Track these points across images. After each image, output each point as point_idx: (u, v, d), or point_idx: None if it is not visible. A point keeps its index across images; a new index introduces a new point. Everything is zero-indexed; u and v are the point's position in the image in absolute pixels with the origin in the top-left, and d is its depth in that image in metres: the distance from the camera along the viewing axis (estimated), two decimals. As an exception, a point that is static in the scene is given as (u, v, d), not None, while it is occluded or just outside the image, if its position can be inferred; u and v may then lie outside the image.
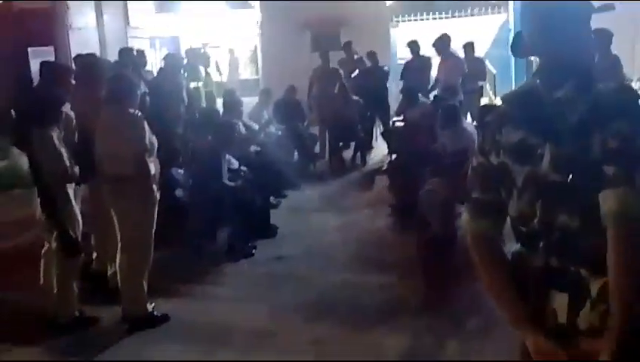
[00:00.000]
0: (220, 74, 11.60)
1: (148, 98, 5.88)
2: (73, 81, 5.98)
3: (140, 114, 5.11)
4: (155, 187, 5.10)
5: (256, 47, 19.29)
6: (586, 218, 1.83)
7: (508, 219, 2.04)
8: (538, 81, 1.94)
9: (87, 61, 6.68)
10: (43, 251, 5.30)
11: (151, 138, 5.11)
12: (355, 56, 12.48)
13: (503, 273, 2.03)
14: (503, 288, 2.02)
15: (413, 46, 11.87)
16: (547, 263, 1.91)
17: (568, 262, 1.88)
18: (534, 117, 1.89)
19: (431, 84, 11.45)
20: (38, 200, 5.01)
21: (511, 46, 2.05)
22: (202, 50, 12.80)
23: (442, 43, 11.20)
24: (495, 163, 1.98)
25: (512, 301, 1.99)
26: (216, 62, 11.67)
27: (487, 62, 13.46)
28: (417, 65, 11.65)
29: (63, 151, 5.01)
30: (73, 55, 9.42)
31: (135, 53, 9.53)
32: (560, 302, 1.90)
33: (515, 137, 1.91)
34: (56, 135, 5.01)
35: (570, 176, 1.83)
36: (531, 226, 1.91)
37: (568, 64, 1.89)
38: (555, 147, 1.85)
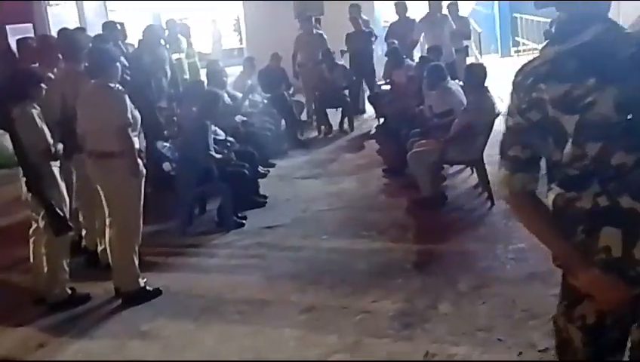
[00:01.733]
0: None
1: (128, 71, 5.78)
2: (60, 56, 5.92)
3: (120, 88, 5.04)
4: (139, 161, 5.05)
5: (239, 17, 19.12)
6: None
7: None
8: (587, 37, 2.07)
9: (69, 35, 6.58)
10: (31, 230, 5.27)
11: (133, 112, 5.05)
12: (315, 31, 12.11)
13: (549, 219, 2.17)
14: (553, 234, 2.16)
15: (400, 7, 11.75)
16: (595, 203, 2.04)
17: (619, 195, 2.01)
18: (590, 66, 2.02)
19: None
20: (23, 179, 4.97)
21: None
22: (182, 22, 12.63)
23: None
24: (536, 119, 2.09)
25: (564, 244, 2.13)
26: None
27: (472, 22, 13.36)
28: (403, 27, 11.54)
29: (45, 128, 4.95)
30: (52, 31, 9.30)
31: (118, 26, 9.37)
32: (612, 237, 2.04)
33: (561, 89, 2.02)
34: (36, 112, 4.95)
35: (630, 114, 1.97)
36: (582, 167, 2.04)
37: (586, 11, 2.07)
38: (615, 89, 1.98)
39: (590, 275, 2.08)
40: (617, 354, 2.24)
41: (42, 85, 5.09)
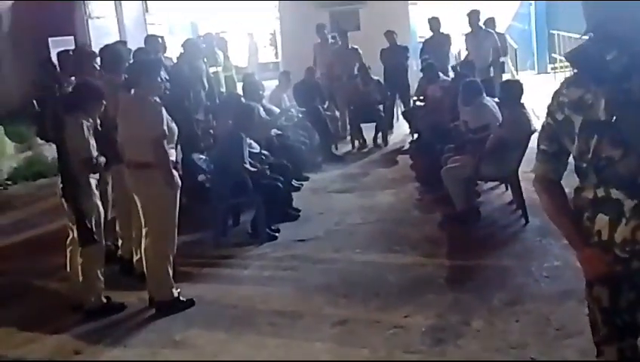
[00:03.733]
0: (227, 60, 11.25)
1: (168, 84, 5.88)
2: (97, 66, 6.04)
3: (157, 100, 5.11)
4: (175, 172, 5.12)
5: (275, 31, 19.27)
6: (626, 148, 2.29)
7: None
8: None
9: (110, 48, 6.72)
10: (68, 240, 5.36)
11: (170, 124, 5.12)
12: (350, 46, 12.09)
13: (563, 204, 2.56)
14: (563, 215, 2.56)
15: (434, 23, 11.75)
16: (595, 194, 2.40)
17: (610, 187, 2.35)
18: (593, 74, 2.36)
19: (450, 61, 11.35)
20: (60, 186, 5.06)
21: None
22: (220, 36, 12.78)
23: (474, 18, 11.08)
24: (560, 119, 2.46)
25: (569, 225, 2.54)
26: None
27: (508, 38, 13.28)
28: (437, 42, 11.55)
29: (92, 140, 5.05)
30: (93, 44, 9.47)
31: (160, 40, 9.52)
32: (602, 223, 2.40)
33: (577, 94, 2.40)
34: (86, 125, 5.05)
35: (615, 116, 2.29)
36: (587, 160, 2.38)
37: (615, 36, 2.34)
38: (607, 95, 2.31)
39: (583, 253, 2.49)
40: (631, 337, 2.52)
41: (103, 102, 5.21)
